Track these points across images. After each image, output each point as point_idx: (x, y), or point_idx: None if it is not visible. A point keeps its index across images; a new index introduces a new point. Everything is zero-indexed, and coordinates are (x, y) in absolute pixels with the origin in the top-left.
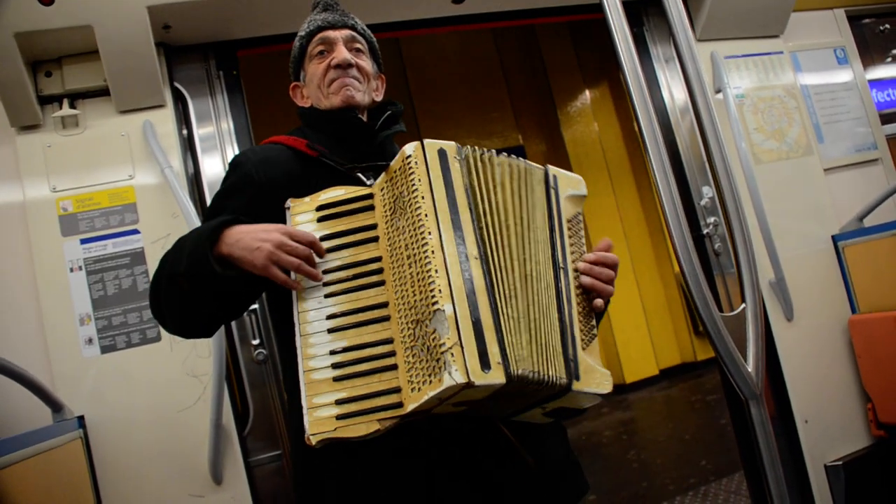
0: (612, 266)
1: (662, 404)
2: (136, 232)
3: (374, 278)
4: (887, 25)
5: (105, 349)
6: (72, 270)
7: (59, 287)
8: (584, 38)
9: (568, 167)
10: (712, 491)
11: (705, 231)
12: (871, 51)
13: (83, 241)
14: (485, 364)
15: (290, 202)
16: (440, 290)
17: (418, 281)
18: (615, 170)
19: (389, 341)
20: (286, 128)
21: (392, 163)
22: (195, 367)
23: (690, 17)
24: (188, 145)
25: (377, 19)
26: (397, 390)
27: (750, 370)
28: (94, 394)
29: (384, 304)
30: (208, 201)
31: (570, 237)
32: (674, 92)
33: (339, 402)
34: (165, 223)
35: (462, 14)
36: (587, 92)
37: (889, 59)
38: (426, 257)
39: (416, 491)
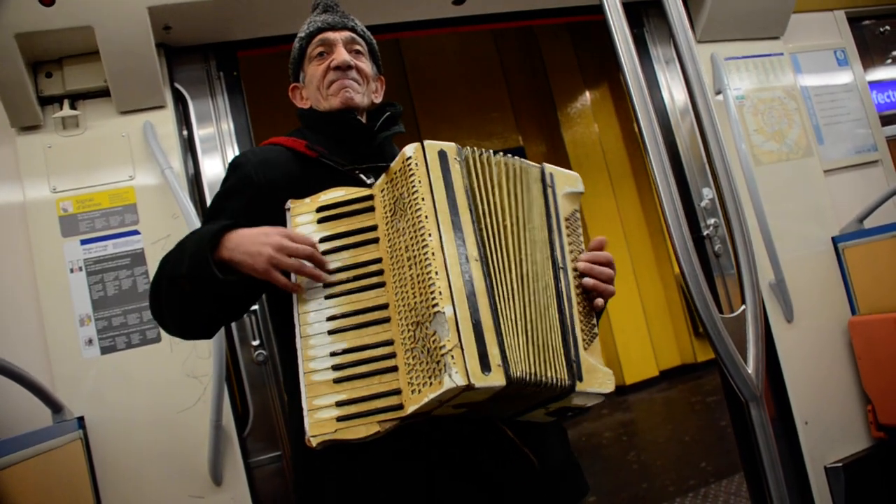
0: (610, 264)
1: (662, 406)
2: (136, 233)
3: (374, 280)
4: (887, 27)
5: (105, 350)
6: (72, 271)
7: (59, 288)
8: (584, 39)
9: (568, 168)
10: (712, 492)
11: (705, 232)
12: (871, 52)
13: (83, 242)
14: (485, 366)
15: (290, 203)
16: (440, 292)
17: (418, 283)
18: (615, 171)
19: (390, 343)
20: (286, 129)
21: (392, 164)
22: (195, 367)
23: (691, 19)
24: (188, 146)
25: (377, 20)
26: (397, 392)
27: (750, 372)
28: (94, 394)
29: (384, 306)
30: (208, 202)
31: (568, 235)
32: (674, 93)
33: (339, 404)
34: (166, 224)
35: (462, 15)
36: (587, 93)
37: (889, 61)
38: (426, 259)
39: (417, 492)
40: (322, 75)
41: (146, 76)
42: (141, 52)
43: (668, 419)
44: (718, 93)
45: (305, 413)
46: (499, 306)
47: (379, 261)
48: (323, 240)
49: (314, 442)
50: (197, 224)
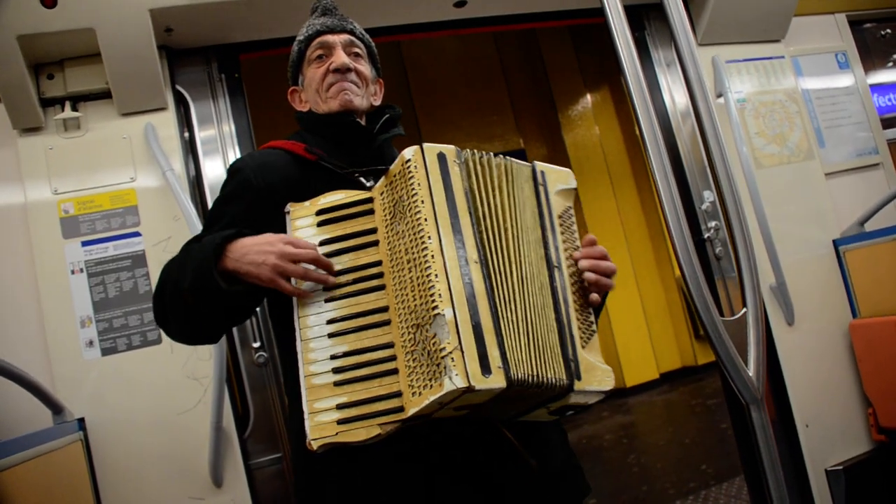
0: (607, 257)
1: (663, 408)
2: (137, 234)
3: (374, 282)
4: (888, 30)
5: (106, 351)
6: (73, 273)
7: (60, 289)
8: (584, 42)
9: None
10: (713, 495)
11: (706, 235)
12: (872, 55)
13: (84, 244)
14: (485, 368)
15: (289, 206)
16: (440, 295)
17: (418, 285)
18: (616, 173)
19: (390, 346)
20: (287, 131)
21: (392, 167)
22: (196, 369)
23: (692, 22)
24: (190, 148)
25: (378, 23)
26: (398, 395)
27: (751, 374)
28: (94, 396)
29: (384, 309)
30: (209, 204)
31: (562, 233)
32: (675, 96)
33: (339, 407)
34: (167, 226)
35: (463, 18)
36: (588, 95)
37: (890, 64)
38: (426, 261)
39: (417, 495)
40: (321, 78)
41: (147, 78)
42: (142, 54)
43: (668, 422)
44: (719, 95)
45: (306, 416)
46: (499, 308)
47: (379, 263)
48: (323, 243)
49: (315, 445)
50: (198, 226)
